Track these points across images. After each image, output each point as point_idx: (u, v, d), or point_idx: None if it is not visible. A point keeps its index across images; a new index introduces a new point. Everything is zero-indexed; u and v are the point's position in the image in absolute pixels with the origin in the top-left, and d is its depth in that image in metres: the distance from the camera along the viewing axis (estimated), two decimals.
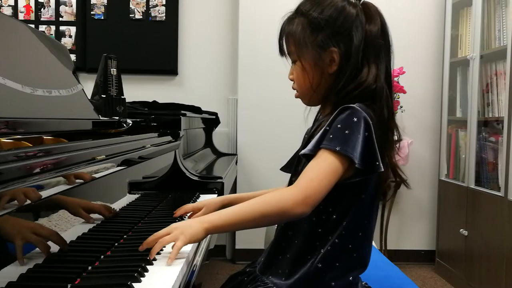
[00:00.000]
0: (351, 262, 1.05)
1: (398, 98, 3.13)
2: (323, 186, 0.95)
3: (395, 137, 1.08)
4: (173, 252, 0.91)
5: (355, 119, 0.96)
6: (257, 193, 1.34)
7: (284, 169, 1.21)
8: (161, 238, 0.93)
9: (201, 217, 1.01)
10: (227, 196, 1.40)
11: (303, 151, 1.01)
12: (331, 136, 0.97)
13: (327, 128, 0.99)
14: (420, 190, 3.35)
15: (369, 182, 1.03)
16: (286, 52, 1.11)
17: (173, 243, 0.93)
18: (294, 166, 1.15)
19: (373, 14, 1.05)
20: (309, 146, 1.00)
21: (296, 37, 1.06)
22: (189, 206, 1.27)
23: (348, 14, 1.03)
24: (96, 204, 1.10)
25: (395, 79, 3.08)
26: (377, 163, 0.97)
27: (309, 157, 1.00)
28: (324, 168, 0.96)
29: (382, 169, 0.98)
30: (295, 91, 1.13)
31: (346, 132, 0.96)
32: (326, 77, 1.06)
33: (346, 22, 1.03)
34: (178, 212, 1.25)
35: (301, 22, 1.06)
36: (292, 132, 2.37)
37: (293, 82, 1.12)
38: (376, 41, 1.04)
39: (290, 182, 1.14)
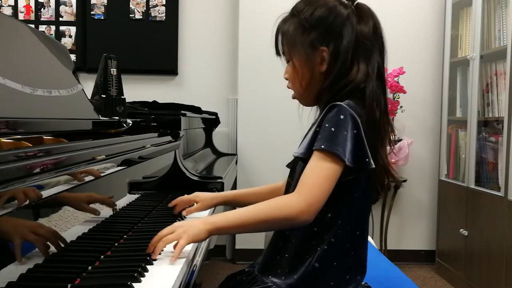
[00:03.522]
0: (350, 261, 1.06)
1: (398, 98, 3.13)
2: (323, 191, 0.97)
3: (391, 137, 1.09)
4: (176, 250, 0.92)
5: (342, 116, 0.98)
6: (254, 189, 1.35)
7: (289, 165, 1.22)
8: (164, 237, 0.94)
9: (205, 217, 1.02)
10: (223, 193, 1.41)
11: (295, 153, 1.04)
12: (320, 136, 0.99)
13: (317, 128, 1.01)
14: (420, 190, 3.35)
15: (360, 180, 1.04)
16: (281, 52, 1.13)
17: (175, 242, 0.94)
18: (292, 166, 1.16)
19: (365, 15, 1.07)
20: (301, 148, 1.02)
21: (288, 37, 1.09)
22: (186, 198, 1.30)
23: (338, 14, 1.05)
24: (97, 195, 1.10)
25: (395, 79, 3.08)
26: (367, 159, 0.98)
27: (304, 160, 1.02)
28: (320, 173, 0.97)
29: (373, 166, 0.99)
30: (293, 92, 1.15)
31: (332, 129, 0.98)
32: (317, 76, 1.08)
33: (336, 21, 1.05)
34: (176, 205, 1.30)
35: (294, 23, 1.09)
36: (292, 132, 2.37)
37: (288, 81, 1.14)
38: (367, 41, 1.05)
39: (288, 184, 1.15)
